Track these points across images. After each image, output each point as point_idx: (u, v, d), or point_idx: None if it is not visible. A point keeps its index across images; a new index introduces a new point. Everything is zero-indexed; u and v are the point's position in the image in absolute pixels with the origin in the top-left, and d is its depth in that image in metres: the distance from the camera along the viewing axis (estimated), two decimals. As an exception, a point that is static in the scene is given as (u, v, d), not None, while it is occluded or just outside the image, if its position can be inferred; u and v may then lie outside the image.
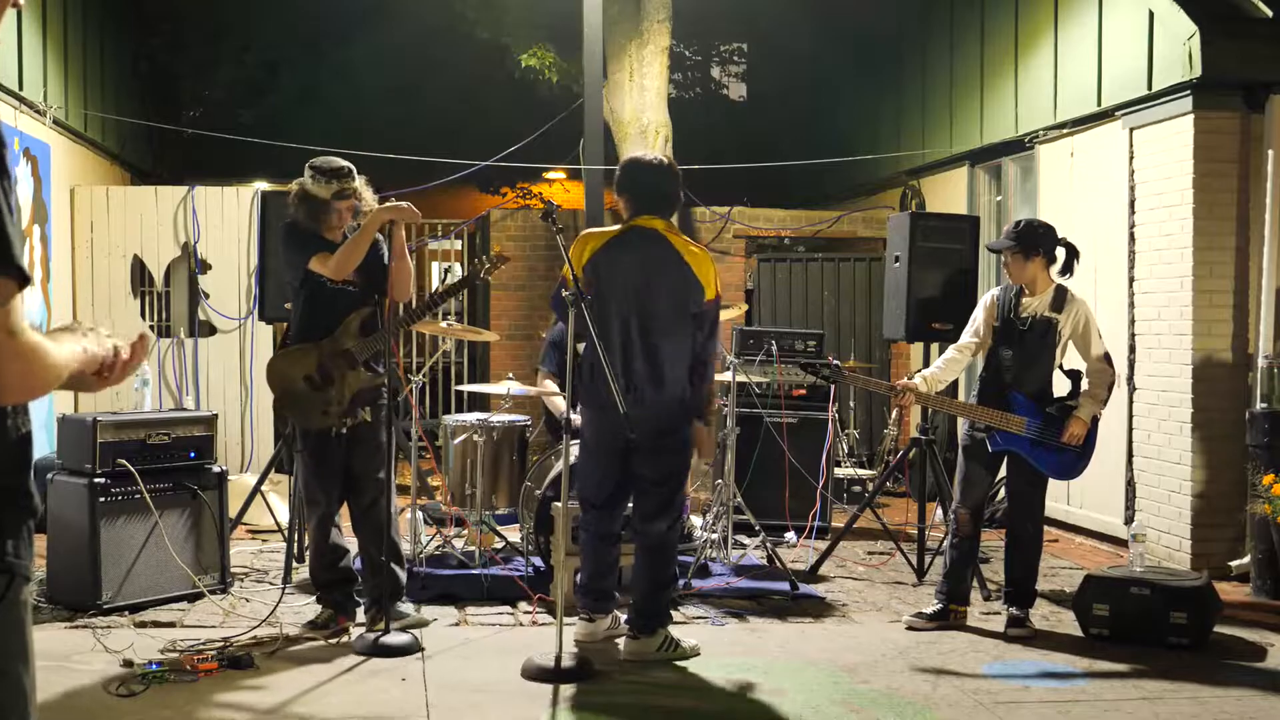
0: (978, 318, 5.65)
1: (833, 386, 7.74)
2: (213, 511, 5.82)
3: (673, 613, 5.34)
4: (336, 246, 5.12)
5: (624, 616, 5.14)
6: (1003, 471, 5.87)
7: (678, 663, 4.93)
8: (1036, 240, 5.50)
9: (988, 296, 5.68)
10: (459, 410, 10.56)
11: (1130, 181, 7.32)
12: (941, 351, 7.87)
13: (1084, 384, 5.55)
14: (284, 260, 5.31)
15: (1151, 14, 7.02)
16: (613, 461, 5.03)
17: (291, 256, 5.19)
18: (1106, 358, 5.55)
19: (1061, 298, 5.52)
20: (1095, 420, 5.52)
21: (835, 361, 5.78)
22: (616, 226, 5.14)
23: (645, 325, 4.93)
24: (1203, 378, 6.77)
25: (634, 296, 4.94)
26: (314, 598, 5.41)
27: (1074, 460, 5.51)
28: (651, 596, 5.02)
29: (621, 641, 5.08)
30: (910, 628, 5.53)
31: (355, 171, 5.18)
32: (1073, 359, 5.61)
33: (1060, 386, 5.59)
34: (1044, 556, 5.79)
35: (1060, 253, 5.57)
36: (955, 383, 6.10)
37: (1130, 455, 7.29)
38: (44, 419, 7.56)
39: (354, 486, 5.27)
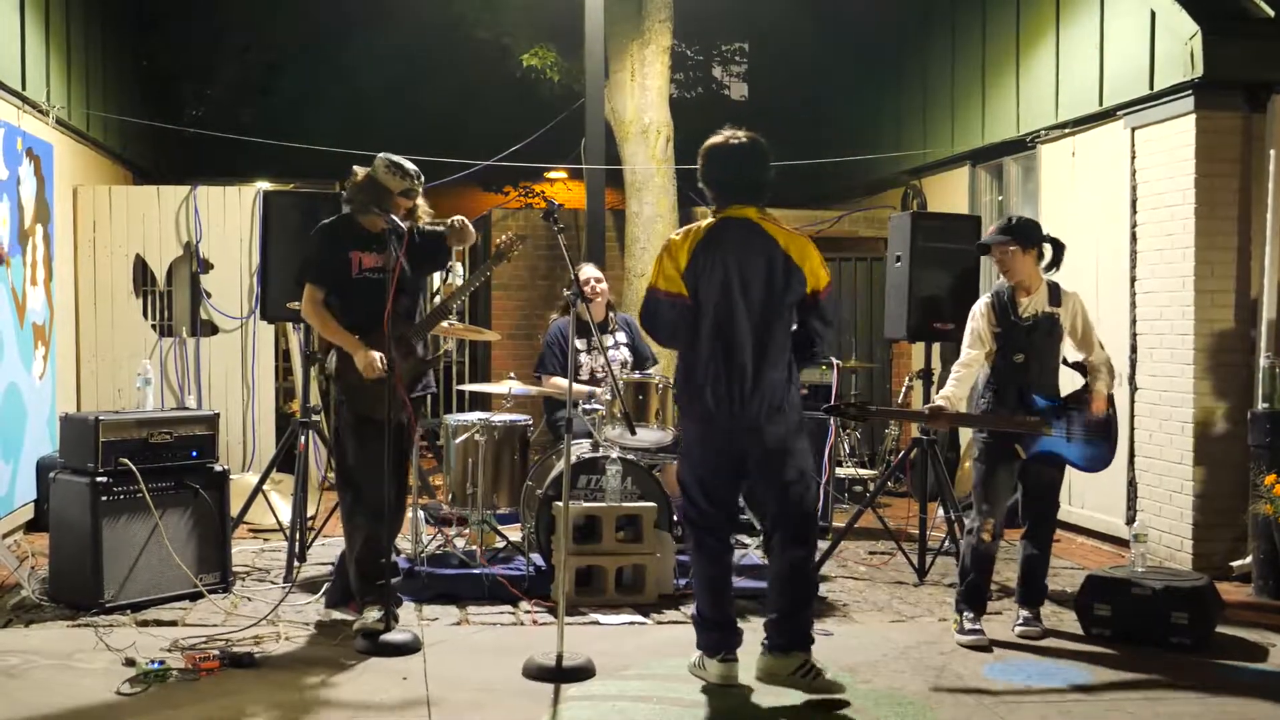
0: (977, 327, 5.50)
1: (834, 386, 7.76)
2: (214, 510, 5.83)
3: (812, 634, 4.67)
4: (367, 243, 5.24)
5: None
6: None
7: (680, 660, 4.92)
8: (1032, 233, 5.49)
9: (980, 305, 5.55)
10: (460, 410, 10.57)
11: (1132, 181, 7.32)
12: (943, 352, 7.89)
13: (1091, 372, 5.54)
14: (303, 256, 5.41)
15: (1153, 14, 7.02)
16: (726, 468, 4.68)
17: (307, 256, 5.33)
18: (1100, 344, 5.58)
19: (1056, 292, 5.52)
20: (1114, 404, 5.51)
21: (860, 400, 5.54)
22: (709, 220, 4.65)
23: (745, 324, 4.52)
24: (1204, 378, 6.77)
25: (731, 294, 4.53)
26: (349, 596, 5.33)
27: (1104, 450, 5.46)
28: (791, 616, 4.60)
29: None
30: (973, 646, 5.25)
31: (422, 180, 5.34)
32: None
33: (1067, 380, 5.60)
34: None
35: (1047, 249, 5.56)
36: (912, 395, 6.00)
37: (1132, 455, 7.29)
38: (46, 417, 7.57)
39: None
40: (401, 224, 5.16)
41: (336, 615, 5.39)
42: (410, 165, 5.31)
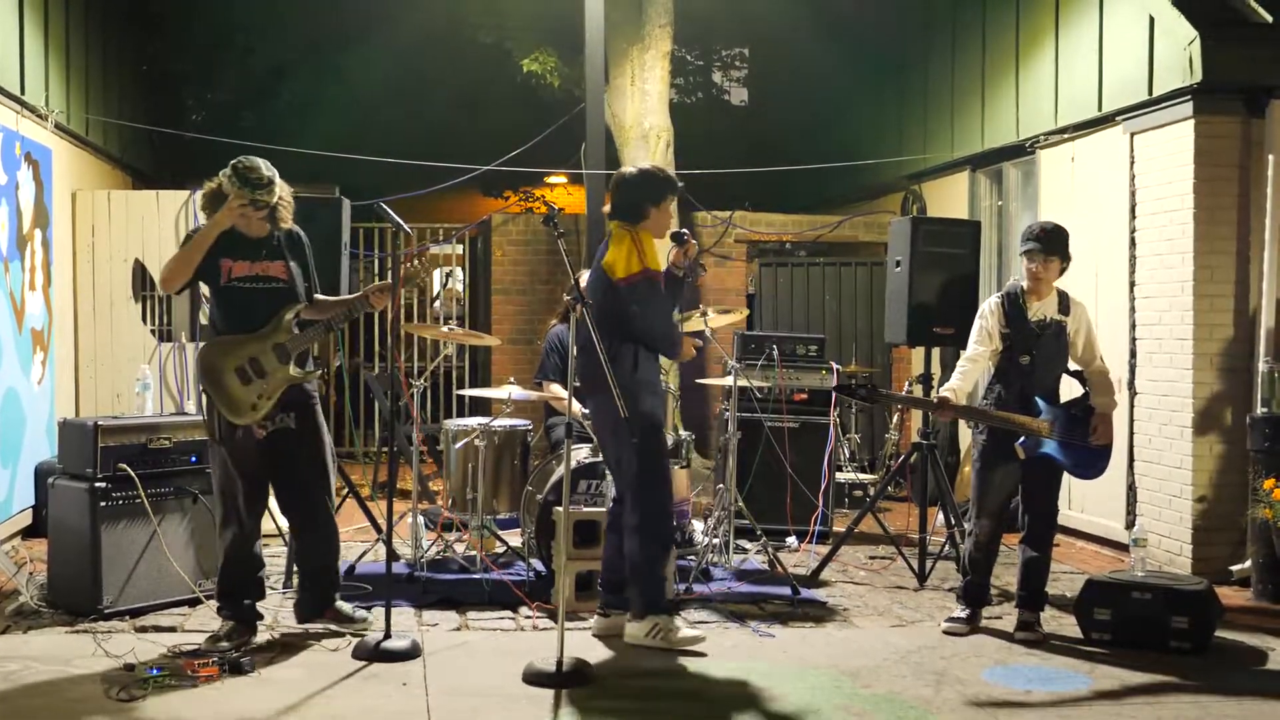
0: (986, 325, 5.57)
1: (835, 391, 7.74)
2: (213, 516, 5.81)
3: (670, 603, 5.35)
4: (239, 250, 5.07)
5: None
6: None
7: (680, 665, 4.92)
8: (1065, 244, 5.54)
9: (991, 303, 5.63)
10: (460, 415, 10.56)
11: (1131, 186, 7.32)
12: (943, 357, 7.89)
13: (1091, 384, 5.58)
14: None
15: (1152, 19, 7.03)
16: (608, 450, 5.40)
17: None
18: (1101, 357, 5.64)
19: (1066, 301, 5.58)
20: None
21: (871, 384, 5.72)
22: None
23: (590, 312, 5.03)
24: (1204, 382, 6.77)
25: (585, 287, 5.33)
26: (323, 605, 5.31)
27: (1100, 458, 5.53)
28: (633, 581, 5.24)
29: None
30: (949, 632, 5.50)
31: (274, 181, 5.08)
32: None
33: (1067, 387, 5.62)
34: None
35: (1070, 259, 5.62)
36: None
37: (1131, 460, 7.28)
38: (45, 422, 7.57)
39: (291, 496, 5.28)
40: (280, 230, 5.11)
41: (315, 626, 5.32)
42: (259, 173, 5.03)
